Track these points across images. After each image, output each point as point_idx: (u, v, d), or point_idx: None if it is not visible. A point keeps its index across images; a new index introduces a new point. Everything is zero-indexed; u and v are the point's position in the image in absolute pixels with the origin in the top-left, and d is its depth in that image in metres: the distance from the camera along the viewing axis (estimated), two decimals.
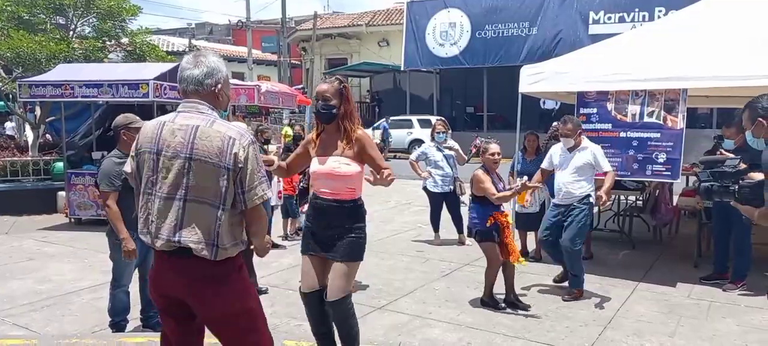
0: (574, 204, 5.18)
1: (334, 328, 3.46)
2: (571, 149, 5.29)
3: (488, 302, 5.01)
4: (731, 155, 3.69)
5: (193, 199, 2.33)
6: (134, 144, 2.49)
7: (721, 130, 5.91)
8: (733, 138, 5.52)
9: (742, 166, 3.03)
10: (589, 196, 5.19)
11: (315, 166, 3.41)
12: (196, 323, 2.52)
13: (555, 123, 8.10)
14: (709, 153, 5.97)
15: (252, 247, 2.68)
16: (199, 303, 2.40)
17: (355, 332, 3.44)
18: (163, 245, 2.36)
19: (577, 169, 5.20)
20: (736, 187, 2.88)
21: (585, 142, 5.33)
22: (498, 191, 4.85)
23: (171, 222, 2.34)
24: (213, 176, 2.30)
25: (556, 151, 5.46)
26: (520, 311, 4.89)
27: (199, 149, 2.30)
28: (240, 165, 2.31)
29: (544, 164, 5.60)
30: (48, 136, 11.67)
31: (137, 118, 4.18)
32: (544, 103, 17.52)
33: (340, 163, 3.30)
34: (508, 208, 5.64)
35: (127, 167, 2.50)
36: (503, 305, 4.98)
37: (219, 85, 2.44)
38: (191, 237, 2.32)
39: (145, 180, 2.41)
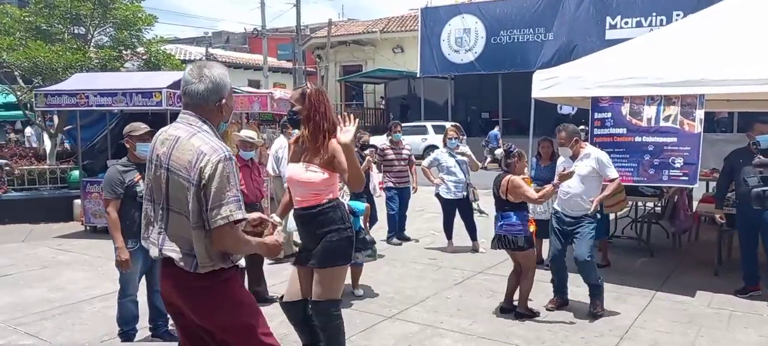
0: (584, 217, 4.96)
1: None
2: (573, 158, 5.10)
3: (525, 313, 4.85)
4: None
5: (174, 210, 2.34)
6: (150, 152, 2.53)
7: (752, 129, 5.60)
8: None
9: None
10: (601, 206, 5.02)
11: (287, 172, 3.47)
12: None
13: None
14: (738, 153, 5.68)
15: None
16: (191, 312, 2.40)
17: (338, 344, 3.40)
18: (154, 253, 2.42)
19: (582, 179, 4.91)
20: None
21: (587, 149, 5.11)
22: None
23: (158, 231, 2.40)
24: (183, 190, 2.29)
25: (560, 162, 5.33)
26: (534, 320, 4.81)
27: (174, 161, 2.31)
28: (203, 181, 2.22)
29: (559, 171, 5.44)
30: (66, 145, 11.81)
31: (140, 125, 4.18)
32: (560, 108, 17.34)
33: (304, 170, 3.29)
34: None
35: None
36: (537, 311, 4.90)
37: (222, 100, 2.42)
38: (172, 248, 2.35)
39: (147, 188, 2.46)
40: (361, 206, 5.27)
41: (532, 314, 4.86)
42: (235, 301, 2.43)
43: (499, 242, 4.84)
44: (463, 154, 7.36)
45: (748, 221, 5.48)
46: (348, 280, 5.52)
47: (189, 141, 2.30)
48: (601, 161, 4.99)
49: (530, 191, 4.74)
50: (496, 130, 19.58)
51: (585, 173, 4.95)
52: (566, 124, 5.29)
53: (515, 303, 4.95)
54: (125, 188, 4.02)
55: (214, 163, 2.23)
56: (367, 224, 6.19)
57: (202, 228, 2.25)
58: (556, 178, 4.82)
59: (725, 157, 5.89)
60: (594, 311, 4.92)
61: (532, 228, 4.87)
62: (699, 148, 5.60)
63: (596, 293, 4.98)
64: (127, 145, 4.16)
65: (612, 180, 5.06)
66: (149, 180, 2.43)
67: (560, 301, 5.14)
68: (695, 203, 7.64)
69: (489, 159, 18.88)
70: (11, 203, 9.58)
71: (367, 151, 7.05)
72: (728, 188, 5.86)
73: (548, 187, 4.78)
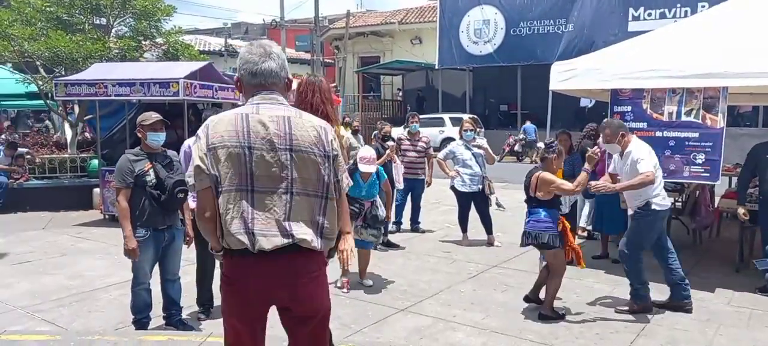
0: (635, 211, 4.82)
1: None
2: (621, 155, 4.91)
3: (550, 315, 4.67)
4: None
5: (299, 192, 2.27)
6: (204, 140, 2.24)
7: None
8: None
9: None
10: (648, 203, 4.72)
11: None
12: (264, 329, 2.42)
13: (591, 123, 7.87)
14: (763, 147, 5.52)
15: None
16: (303, 300, 2.33)
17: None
18: (271, 243, 2.21)
19: (628, 177, 4.76)
20: None
21: (633, 143, 4.84)
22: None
23: (279, 218, 2.23)
24: (314, 166, 2.29)
25: (613, 159, 5.16)
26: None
27: (299, 141, 2.26)
28: (335, 153, 2.34)
29: (610, 169, 5.24)
30: (86, 134, 11.95)
31: (152, 114, 4.18)
32: (581, 101, 17.13)
33: None
34: None
35: (201, 164, 2.22)
36: (562, 311, 4.79)
37: (290, 76, 2.45)
38: (302, 230, 2.26)
39: (235, 177, 2.21)
40: (383, 172, 5.56)
41: (557, 317, 4.68)
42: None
43: (526, 238, 4.71)
44: (479, 146, 7.29)
45: None
46: (355, 269, 5.54)
47: (302, 119, 2.33)
48: (636, 157, 4.72)
49: (565, 183, 4.68)
50: (529, 123, 19.33)
51: (628, 171, 4.79)
52: (611, 120, 5.13)
53: (541, 298, 4.85)
54: (135, 177, 4.03)
55: (334, 137, 2.38)
56: (391, 210, 6.20)
57: (334, 199, 2.36)
58: (587, 164, 4.72)
59: (749, 151, 5.74)
60: (617, 308, 4.88)
61: (560, 226, 4.70)
62: (721, 143, 5.47)
63: (633, 293, 4.86)
64: (139, 135, 4.17)
65: (638, 175, 4.72)
66: (242, 168, 2.21)
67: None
68: (717, 199, 7.48)
69: (519, 152, 18.71)
70: (32, 191, 9.75)
71: (388, 143, 7.04)
72: (750, 183, 5.71)
73: (582, 175, 4.66)
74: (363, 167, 5.16)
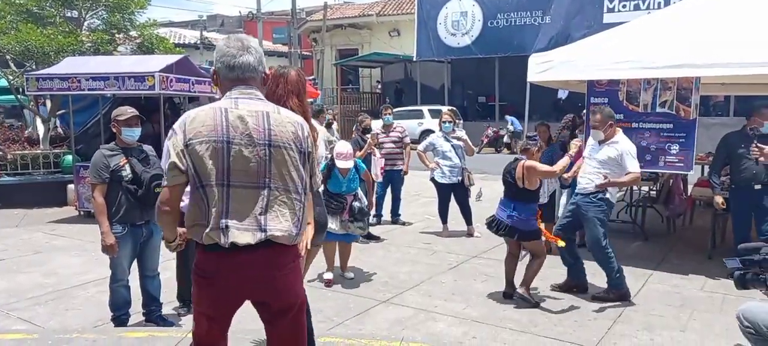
0: (588, 199, 4.88)
1: None
2: (601, 142, 4.91)
3: (526, 296, 4.76)
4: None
5: (276, 187, 2.27)
6: (180, 136, 2.21)
7: (759, 113, 5.51)
8: None
9: None
10: (602, 192, 4.85)
11: None
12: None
13: (568, 114, 7.97)
14: (734, 136, 5.67)
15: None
16: (277, 294, 2.35)
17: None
18: (244, 238, 2.21)
19: (600, 163, 4.84)
20: None
21: (618, 136, 4.89)
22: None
23: (256, 213, 2.23)
24: (292, 162, 2.29)
25: (589, 142, 5.15)
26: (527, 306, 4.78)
27: (277, 136, 2.26)
28: (310, 149, 2.35)
29: (584, 153, 5.26)
30: (59, 129, 11.72)
31: (127, 109, 4.12)
32: (558, 93, 17.30)
33: None
34: None
35: (177, 160, 2.20)
36: (537, 299, 4.86)
37: (267, 71, 2.43)
38: (277, 226, 2.26)
39: (211, 172, 2.19)
40: (362, 164, 5.57)
41: (532, 303, 4.76)
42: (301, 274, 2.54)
43: (505, 230, 4.78)
44: (458, 138, 7.33)
45: (742, 205, 5.50)
46: (337, 262, 5.55)
47: (280, 114, 2.32)
48: (625, 153, 4.76)
49: (548, 167, 4.88)
50: (512, 116, 19.46)
51: (604, 159, 4.84)
52: (603, 106, 5.17)
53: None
54: (111, 172, 3.97)
55: (309, 132, 2.37)
56: (372, 198, 6.20)
57: (308, 195, 2.39)
58: (571, 149, 5.00)
59: (720, 141, 5.87)
60: (596, 295, 4.96)
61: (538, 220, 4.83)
62: (694, 134, 5.60)
63: (610, 282, 4.92)
64: (114, 130, 4.10)
65: (628, 173, 4.81)
66: (220, 163, 2.19)
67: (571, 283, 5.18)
68: (690, 187, 7.64)
69: (508, 143, 18.85)
70: (4, 187, 9.52)
71: (368, 136, 7.04)
72: (722, 171, 5.85)
73: (564, 159, 4.87)
74: (340, 163, 5.12)
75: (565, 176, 5.19)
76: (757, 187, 5.34)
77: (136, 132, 4.13)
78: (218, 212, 2.19)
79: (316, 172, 2.46)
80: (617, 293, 4.89)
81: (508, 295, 4.95)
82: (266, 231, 2.23)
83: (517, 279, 4.93)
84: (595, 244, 4.88)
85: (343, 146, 5.31)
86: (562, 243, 4.90)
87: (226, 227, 2.19)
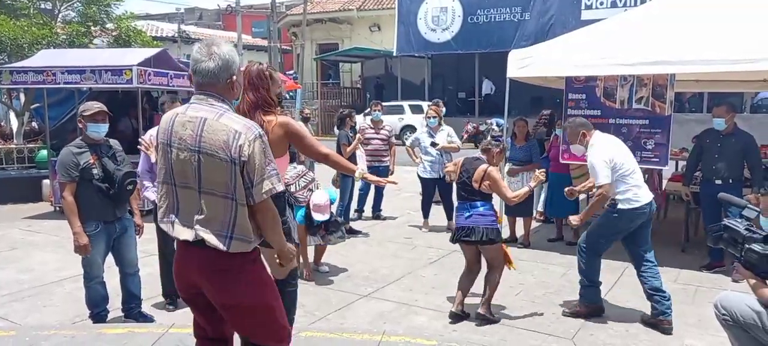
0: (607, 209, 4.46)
1: None
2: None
3: (488, 315, 4.34)
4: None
5: (206, 191, 2.33)
6: (157, 135, 2.52)
7: (712, 112, 5.69)
8: (723, 117, 5.48)
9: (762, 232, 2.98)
10: (614, 203, 4.36)
11: None
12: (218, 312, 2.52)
13: (544, 110, 8.08)
14: (707, 134, 5.75)
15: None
16: (214, 292, 2.40)
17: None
18: (182, 235, 2.38)
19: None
20: (745, 248, 2.90)
21: (593, 140, 4.44)
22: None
23: (188, 213, 2.37)
24: (220, 170, 2.29)
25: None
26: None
27: (206, 142, 2.28)
28: (244, 159, 2.27)
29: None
30: (34, 123, 11.51)
31: (93, 104, 4.02)
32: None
33: None
34: None
35: (153, 156, 2.47)
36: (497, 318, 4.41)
37: (233, 77, 2.39)
38: (206, 228, 2.33)
39: (163, 171, 2.42)
40: (333, 195, 5.54)
41: (494, 320, 4.37)
42: (261, 281, 2.49)
43: (468, 233, 4.32)
44: (451, 142, 7.34)
45: (712, 199, 5.63)
46: (312, 257, 5.56)
47: (219, 121, 2.29)
48: (594, 164, 4.30)
49: (508, 189, 4.56)
50: (497, 118, 19.34)
51: (588, 168, 4.50)
52: (572, 119, 4.77)
53: (471, 307, 4.47)
54: (81, 170, 3.87)
55: (251, 141, 2.28)
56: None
57: (246, 205, 2.33)
58: (532, 182, 4.43)
59: (694, 137, 6.02)
60: (566, 310, 4.60)
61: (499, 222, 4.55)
62: (669, 130, 5.73)
63: (580, 291, 4.57)
64: (80, 125, 4.00)
65: (595, 186, 4.37)
66: (167, 163, 2.38)
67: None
68: (664, 182, 7.80)
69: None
70: None
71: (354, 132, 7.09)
72: (697, 168, 5.99)
73: (524, 189, 4.50)
74: (316, 216, 5.03)
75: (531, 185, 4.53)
76: (718, 182, 5.46)
77: (103, 128, 4.02)
78: (168, 206, 2.43)
79: (260, 181, 2.29)
80: (589, 308, 4.53)
81: (458, 316, 4.40)
82: (195, 232, 2.34)
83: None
84: (586, 247, 4.52)
85: (321, 197, 5.08)
86: (514, 267, 4.62)
87: (173, 222, 2.42)
